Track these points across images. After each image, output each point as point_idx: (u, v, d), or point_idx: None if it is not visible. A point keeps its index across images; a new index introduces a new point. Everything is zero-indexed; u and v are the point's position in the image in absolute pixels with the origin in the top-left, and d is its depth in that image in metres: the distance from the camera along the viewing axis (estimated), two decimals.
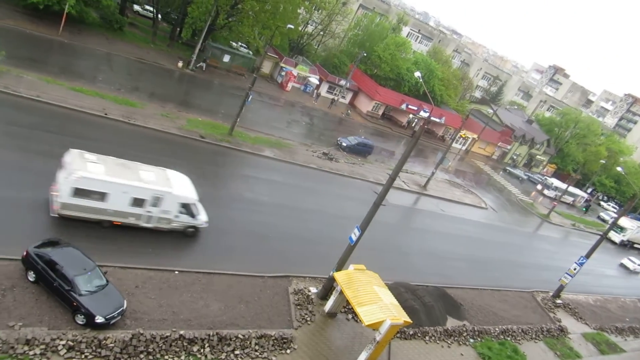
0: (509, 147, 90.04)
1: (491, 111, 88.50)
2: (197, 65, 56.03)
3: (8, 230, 20.57)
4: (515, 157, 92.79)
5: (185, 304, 21.12)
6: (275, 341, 21.17)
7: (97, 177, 21.70)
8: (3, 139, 27.02)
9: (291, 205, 34.72)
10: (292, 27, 57.17)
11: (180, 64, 54.32)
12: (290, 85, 66.87)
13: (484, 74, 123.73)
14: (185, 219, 25.06)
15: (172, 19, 64.31)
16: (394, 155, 62.21)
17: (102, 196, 22.20)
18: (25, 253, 18.64)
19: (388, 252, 34.15)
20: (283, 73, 67.70)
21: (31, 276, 18.55)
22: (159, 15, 61.77)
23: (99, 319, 17.66)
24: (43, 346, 16.33)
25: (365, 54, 73.40)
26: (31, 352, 15.99)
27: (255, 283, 24.61)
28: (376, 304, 21.86)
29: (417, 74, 27.87)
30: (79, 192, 21.60)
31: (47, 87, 34.52)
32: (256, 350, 20.36)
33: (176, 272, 22.67)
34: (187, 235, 25.71)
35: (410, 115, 78.63)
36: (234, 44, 67.68)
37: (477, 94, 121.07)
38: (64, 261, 18.42)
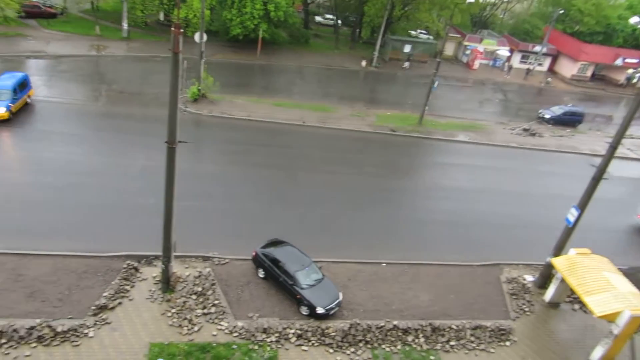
0: None
1: None
2: (403, 66, 57.45)
3: None
4: None
5: (396, 295, 21.57)
6: (491, 332, 20.15)
7: None
8: (224, 157, 31.50)
9: (493, 188, 32.72)
10: (472, 1, 54.10)
11: (363, 63, 56.06)
12: (477, 62, 63.30)
13: None
14: None
15: (351, 22, 66.74)
16: (611, 120, 53.82)
17: None
18: (254, 253, 21.36)
19: (617, 233, 29.66)
20: (468, 52, 64.48)
21: (261, 273, 21.14)
22: (339, 21, 64.77)
23: (320, 310, 19.18)
24: (277, 334, 18.43)
25: (562, 11, 65.14)
26: (268, 339, 18.19)
27: (463, 272, 23.83)
28: (609, 292, 19.07)
29: (634, 19, 23.44)
30: None
31: (254, 107, 39.15)
32: (472, 342, 19.66)
33: (383, 264, 23.33)
34: None
35: (630, 71, 66.97)
36: (412, 32, 67.06)
37: None
38: (285, 258, 20.50)
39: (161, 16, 57.97)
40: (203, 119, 36.25)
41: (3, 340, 16.17)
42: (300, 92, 45.44)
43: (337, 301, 19.77)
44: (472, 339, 19.78)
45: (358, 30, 63.40)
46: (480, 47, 64.30)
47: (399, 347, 18.88)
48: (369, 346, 18.67)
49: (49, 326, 16.79)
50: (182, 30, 14.94)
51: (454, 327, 19.96)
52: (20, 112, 31.78)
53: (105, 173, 26.94)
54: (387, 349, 18.71)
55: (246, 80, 46.99)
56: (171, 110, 15.91)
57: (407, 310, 20.79)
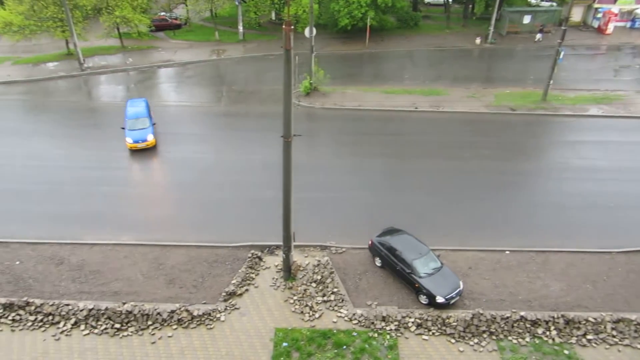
0: None
1: None
2: (535, 40, 53.78)
3: None
4: None
5: (522, 284, 20.27)
6: (638, 326, 18.05)
7: None
8: (337, 148, 31.95)
9: (636, 167, 29.14)
10: None
11: (478, 41, 53.07)
12: (611, 26, 56.49)
13: None
14: None
15: None
16: None
17: None
18: (370, 242, 21.46)
19: None
20: (599, 15, 57.84)
21: (378, 262, 21.19)
22: None
23: (440, 299, 18.70)
24: (396, 323, 18.35)
25: None
26: (387, 327, 18.18)
27: (601, 260, 21.61)
28: None
29: None
30: None
31: (364, 96, 39.15)
32: (614, 336, 17.80)
33: (507, 252, 22.03)
34: None
35: None
36: (532, 1, 61.88)
37: None
38: (401, 247, 20.30)
39: (273, 15, 60.32)
40: (316, 112, 37.13)
41: (149, 322, 18.21)
42: (411, 77, 44.40)
43: (457, 290, 19.14)
44: (614, 333, 17.92)
45: (471, 6, 60.11)
46: (615, 8, 57.28)
47: (527, 339, 17.75)
48: (493, 337, 17.82)
49: (187, 310, 18.54)
50: (292, 27, 15.32)
51: (591, 319, 18.23)
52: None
53: (227, 169, 28.89)
54: (514, 341, 17.69)
55: (356, 70, 47.06)
56: (285, 106, 16.45)
57: (536, 300, 19.44)
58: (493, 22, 52.96)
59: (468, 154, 30.61)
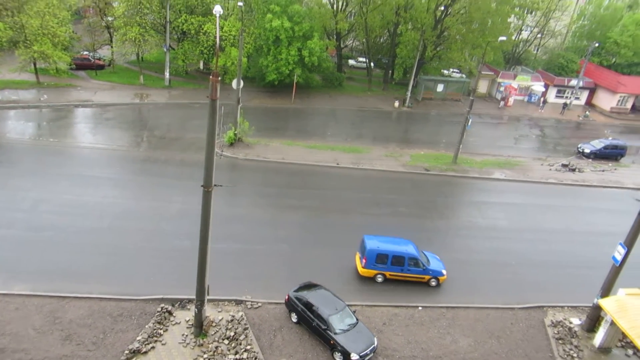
0: None
1: None
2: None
3: None
4: None
5: (433, 340, 20.82)
6: None
7: None
8: (258, 199, 31.85)
9: (532, 227, 31.67)
10: (504, 39, 54.11)
11: (396, 104, 56.47)
12: (511, 99, 62.64)
13: None
14: None
15: (384, 64, 67.76)
16: None
17: None
18: (287, 297, 21.18)
19: None
20: (502, 88, 64.05)
21: (294, 317, 20.86)
22: (372, 64, 65.87)
23: (354, 356, 18.60)
24: None
25: (597, 45, 64.15)
26: None
27: (504, 316, 22.84)
28: None
29: None
30: None
31: (288, 149, 39.78)
32: None
33: (420, 308, 22.66)
34: None
35: None
36: (445, 71, 67.43)
37: None
38: (318, 302, 20.17)
39: (201, 65, 60.53)
40: (239, 163, 37.03)
41: None
42: (333, 134, 45.99)
43: (372, 347, 19.23)
44: None
45: (390, 71, 64.26)
46: (515, 84, 63.79)
47: None
48: None
49: None
50: (220, 78, 15.45)
51: None
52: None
53: (142, 216, 27.64)
54: None
55: (281, 124, 47.97)
56: (208, 155, 16.28)
57: (446, 356, 19.99)
58: (410, 88, 56.82)
59: (385, 210, 31.74)
